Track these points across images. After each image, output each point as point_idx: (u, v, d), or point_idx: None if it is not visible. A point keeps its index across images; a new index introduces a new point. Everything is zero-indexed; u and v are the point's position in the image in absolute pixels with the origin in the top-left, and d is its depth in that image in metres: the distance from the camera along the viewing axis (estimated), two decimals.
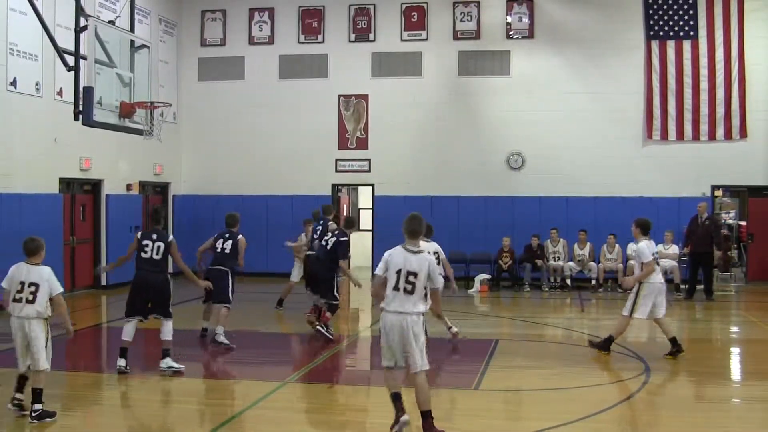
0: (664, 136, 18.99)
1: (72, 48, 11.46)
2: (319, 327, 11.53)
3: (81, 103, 11.05)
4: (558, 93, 19.27)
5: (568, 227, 18.50)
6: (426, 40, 19.97)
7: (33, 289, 7.28)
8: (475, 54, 19.78)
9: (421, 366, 6.73)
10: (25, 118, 14.84)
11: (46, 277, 7.37)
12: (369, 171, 20.23)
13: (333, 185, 20.53)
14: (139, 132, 12.21)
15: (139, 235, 9.51)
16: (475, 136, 19.62)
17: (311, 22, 20.47)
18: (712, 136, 18.78)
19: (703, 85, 18.73)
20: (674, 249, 17.15)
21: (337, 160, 20.35)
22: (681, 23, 18.87)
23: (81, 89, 11.11)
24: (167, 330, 9.31)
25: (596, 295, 17.32)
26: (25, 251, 7.44)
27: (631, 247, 17.36)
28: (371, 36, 20.23)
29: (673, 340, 10.31)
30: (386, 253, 6.90)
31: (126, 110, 11.71)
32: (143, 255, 9.32)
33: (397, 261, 6.75)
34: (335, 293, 11.63)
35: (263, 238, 18.04)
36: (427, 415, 6.70)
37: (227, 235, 11.34)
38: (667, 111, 18.98)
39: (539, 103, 19.32)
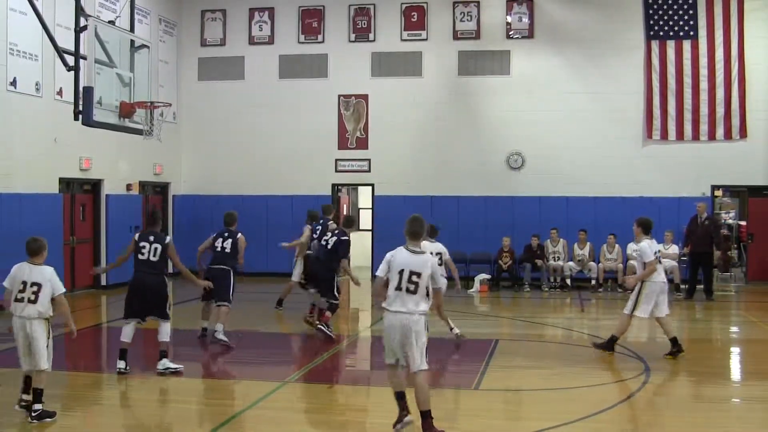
0: (664, 136, 18.99)
1: (72, 48, 11.45)
2: (320, 326, 11.54)
3: (81, 103, 11.05)
4: (558, 93, 19.27)
5: (568, 227, 18.50)
6: (426, 40, 19.97)
7: (35, 288, 7.28)
8: (475, 54, 19.78)
9: (421, 366, 6.75)
10: (25, 118, 14.84)
11: (48, 277, 7.37)
12: (369, 171, 20.23)
13: (333, 185, 20.53)
14: (139, 132, 12.21)
15: (136, 236, 9.50)
16: (475, 136, 19.62)
17: (311, 22, 20.47)
18: (712, 136, 18.78)
19: (703, 85, 18.73)
20: (674, 249, 17.15)
21: (337, 160, 20.35)
22: (681, 23, 18.87)
23: (81, 89, 11.10)
24: (164, 332, 9.31)
25: (596, 295, 17.32)
26: (27, 251, 7.44)
27: (631, 247, 17.41)
28: (371, 36, 20.23)
29: (674, 340, 10.31)
30: (388, 254, 6.93)
31: (126, 110, 11.71)
32: (140, 257, 9.32)
33: (400, 261, 6.78)
34: (335, 293, 11.64)
35: (263, 238, 18.03)
36: (426, 415, 6.71)
37: (226, 234, 11.35)
38: (667, 111, 18.98)
39: (539, 103, 19.32)
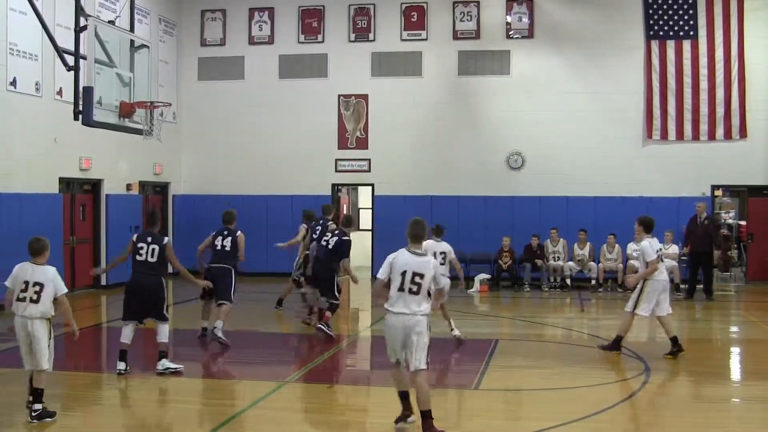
0: (664, 135, 18.99)
1: (72, 48, 11.45)
2: (320, 326, 11.55)
3: (81, 102, 11.04)
4: (558, 93, 19.27)
5: (568, 227, 18.50)
6: (426, 39, 19.98)
7: (37, 288, 7.28)
8: (475, 54, 19.78)
9: (420, 365, 6.77)
10: (25, 118, 14.84)
11: (51, 277, 7.37)
12: (369, 171, 20.23)
13: (333, 185, 20.53)
14: (138, 132, 12.20)
15: (134, 237, 9.49)
16: (475, 136, 19.63)
17: (311, 22, 20.47)
18: (711, 136, 18.79)
19: (703, 84, 18.74)
20: (674, 249, 17.15)
21: (337, 160, 20.35)
22: (681, 23, 18.87)
23: (81, 89, 11.10)
24: (163, 332, 9.31)
25: (596, 294, 17.32)
26: (30, 251, 7.44)
27: (631, 247, 17.42)
28: (371, 36, 20.23)
29: (674, 340, 10.32)
30: (390, 256, 6.97)
31: (126, 110, 11.70)
32: (138, 257, 9.31)
33: (402, 262, 6.83)
34: (336, 293, 11.65)
35: (263, 238, 17.99)
36: (426, 415, 6.73)
37: (226, 233, 11.38)
38: (667, 111, 18.98)
39: (539, 103, 19.32)
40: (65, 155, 16.02)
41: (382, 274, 6.95)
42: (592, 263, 18.03)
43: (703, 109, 18.76)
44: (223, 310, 11.12)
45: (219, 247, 11.29)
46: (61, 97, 15.28)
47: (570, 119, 19.24)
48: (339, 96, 20.30)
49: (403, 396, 7.00)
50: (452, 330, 11.26)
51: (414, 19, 20.03)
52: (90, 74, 10.96)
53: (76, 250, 16.70)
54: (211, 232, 11.69)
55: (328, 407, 8.32)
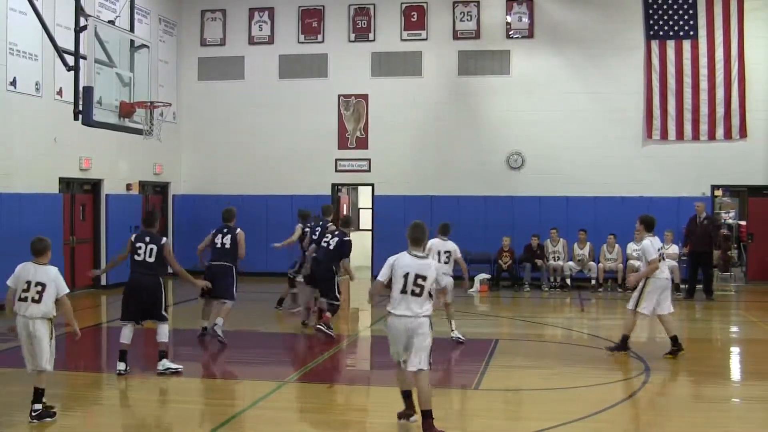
0: (664, 135, 18.99)
1: (72, 48, 11.45)
2: (319, 326, 11.56)
3: (81, 102, 11.05)
4: (558, 93, 19.27)
5: (567, 227, 18.50)
6: (426, 39, 19.98)
7: (39, 288, 7.28)
8: (474, 54, 19.78)
9: (421, 365, 6.79)
10: (25, 118, 14.84)
11: (53, 277, 7.37)
12: (369, 171, 20.23)
13: (333, 185, 20.53)
14: (138, 132, 12.20)
15: (133, 237, 9.48)
16: (475, 136, 19.63)
17: (311, 22, 20.47)
18: (711, 136, 18.79)
19: (703, 84, 18.74)
20: (674, 249, 17.15)
21: (336, 160, 20.35)
22: (681, 23, 18.87)
23: (81, 89, 11.10)
24: (163, 332, 9.30)
25: (596, 294, 17.32)
26: (32, 251, 7.44)
27: (631, 247, 17.44)
28: (371, 36, 20.23)
29: (674, 339, 10.33)
30: (391, 259, 7.01)
31: (126, 110, 11.70)
32: (136, 257, 9.30)
33: (404, 265, 6.87)
34: (337, 293, 11.66)
35: (263, 238, 17.93)
36: (427, 415, 6.75)
37: (225, 230, 11.41)
38: (667, 111, 18.99)
39: (539, 103, 19.33)
40: (65, 155, 16.02)
41: (382, 277, 7.00)
42: (592, 263, 18.03)
43: (703, 109, 18.76)
44: (225, 308, 11.17)
45: (219, 245, 11.33)
46: (61, 97, 15.28)
47: (570, 119, 19.24)
48: (339, 96, 20.30)
49: (406, 395, 7.07)
50: (452, 331, 11.26)
51: (414, 19, 20.03)
52: (90, 74, 10.96)
53: (76, 250, 16.70)
54: (211, 231, 11.71)
55: (328, 407, 8.31)
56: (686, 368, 9.94)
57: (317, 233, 12.50)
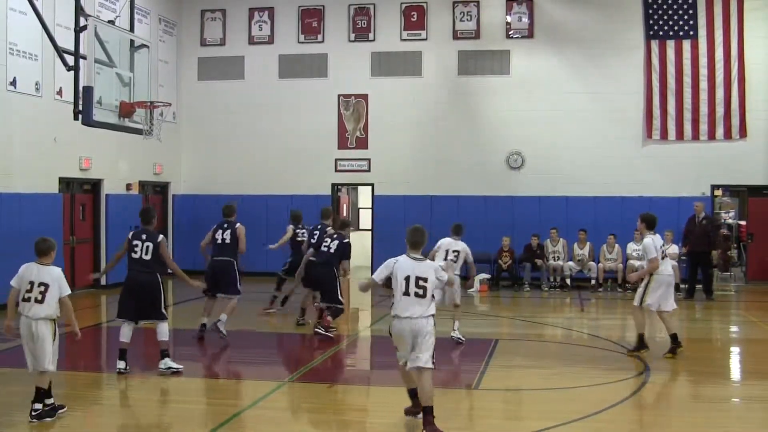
0: (664, 135, 19.00)
1: (72, 48, 11.44)
2: (318, 330, 11.60)
3: (81, 102, 11.04)
4: (558, 93, 19.28)
5: (567, 227, 18.51)
6: (426, 39, 19.98)
7: (42, 289, 7.29)
8: (474, 54, 19.78)
9: (426, 364, 6.89)
10: (25, 117, 14.84)
11: (56, 277, 7.38)
12: (369, 171, 20.23)
13: (333, 185, 20.53)
14: (138, 132, 12.20)
15: (129, 235, 9.49)
16: (475, 135, 19.63)
17: (311, 22, 20.48)
18: (711, 136, 18.79)
19: (703, 84, 18.74)
20: (674, 248, 17.13)
21: (336, 160, 20.35)
22: (681, 23, 18.87)
23: (81, 89, 11.09)
24: (163, 331, 9.29)
25: (596, 294, 17.32)
26: (36, 251, 7.45)
27: (631, 247, 17.48)
28: (371, 36, 20.23)
29: (674, 337, 10.35)
30: (390, 261, 7.09)
31: (126, 110, 11.70)
32: (133, 255, 9.29)
33: (404, 268, 6.98)
34: (339, 297, 11.69)
35: (263, 237, 17.94)
36: (428, 411, 6.84)
37: (225, 226, 11.50)
38: (667, 111, 18.99)
39: (539, 103, 19.33)
40: (65, 155, 16.02)
41: (377, 277, 7.09)
42: (591, 263, 18.04)
43: (703, 109, 18.77)
44: (230, 305, 11.31)
45: (219, 241, 11.45)
46: (61, 97, 15.27)
47: (570, 119, 19.24)
48: (339, 96, 20.30)
49: (413, 393, 7.16)
50: (453, 330, 11.26)
51: (414, 19, 20.04)
52: (90, 74, 10.96)
53: (76, 250, 16.70)
54: (212, 227, 11.77)
55: (328, 407, 8.31)
56: (686, 368, 9.94)
57: (315, 236, 12.50)
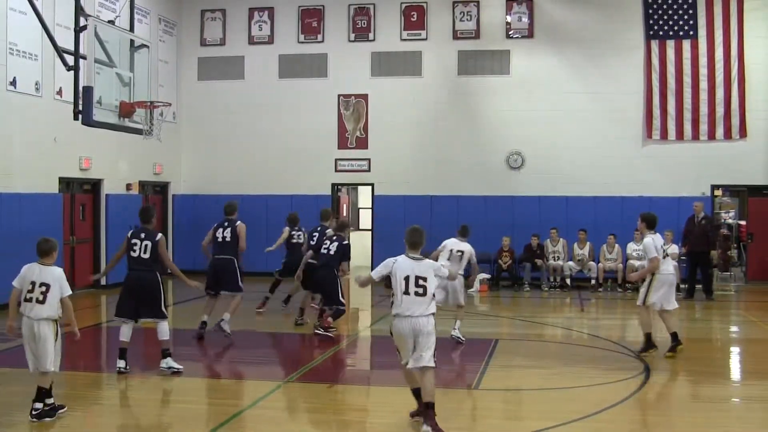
0: (664, 135, 19.00)
1: (72, 47, 11.44)
2: (317, 331, 11.62)
3: (81, 102, 11.04)
4: (558, 93, 19.28)
5: (567, 227, 18.50)
6: (426, 39, 19.98)
7: (43, 289, 7.29)
8: (474, 54, 19.78)
9: (429, 363, 6.96)
10: (25, 117, 14.84)
11: (57, 277, 7.39)
12: (369, 171, 20.23)
13: (333, 185, 20.53)
14: (138, 132, 12.20)
15: (129, 234, 9.49)
16: (475, 135, 19.63)
17: (311, 22, 20.47)
18: (711, 136, 18.79)
19: (703, 84, 18.74)
20: (674, 248, 17.10)
21: (336, 160, 20.35)
22: (681, 23, 18.87)
23: (81, 89, 11.09)
24: (163, 330, 9.28)
25: (596, 294, 17.32)
26: (38, 251, 7.46)
27: (631, 247, 17.48)
28: (371, 35, 20.23)
29: (674, 335, 10.36)
30: (389, 260, 7.14)
31: (126, 110, 11.70)
32: (132, 254, 9.29)
33: (404, 268, 7.03)
34: (341, 298, 11.70)
35: (263, 238, 17.96)
36: (430, 407, 6.91)
37: (226, 224, 11.55)
38: (667, 111, 18.99)
39: (539, 102, 19.33)
40: (65, 155, 16.02)
41: (376, 275, 7.16)
42: (591, 263, 18.04)
43: (703, 109, 18.77)
44: (234, 303, 11.36)
45: (220, 239, 11.48)
46: (61, 96, 15.27)
47: (570, 119, 19.24)
48: (339, 96, 20.30)
49: (417, 393, 7.18)
50: (454, 329, 11.26)
51: (414, 19, 20.03)
52: (90, 74, 10.96)
53: (76, 250, 16.70)
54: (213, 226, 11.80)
55: (328, 407, 8.31)
56: (686, 368, 9.94)
57: (315, 238, 12.50)
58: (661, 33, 18.99)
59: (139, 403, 8.55)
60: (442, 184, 19.64)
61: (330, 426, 7.63)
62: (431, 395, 6.94)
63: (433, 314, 7.05)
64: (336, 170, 20.37)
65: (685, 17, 18.85)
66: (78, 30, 11.37)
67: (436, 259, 9.77)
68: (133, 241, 9.32)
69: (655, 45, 19.00)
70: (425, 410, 6.93)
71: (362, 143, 20.24)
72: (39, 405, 7.23)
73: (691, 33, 18.83)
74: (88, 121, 11.02)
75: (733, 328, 14.10)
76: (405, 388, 7.42)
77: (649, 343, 10.44)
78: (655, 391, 8.83)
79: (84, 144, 16.11)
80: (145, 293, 9.23)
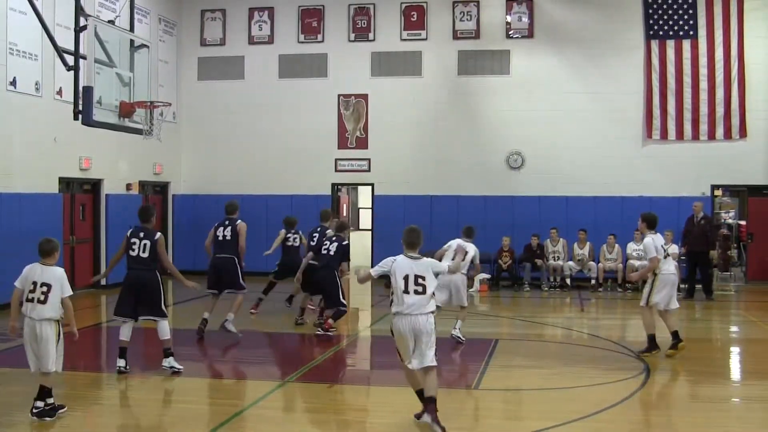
0: (664, 135, 19.00)
1: (72, 47, 11.44)
2: (318, 332, 11.63)
3: (81, 102, 11.04)
4: (558, 93, 19.28)
5: (567, 227, 18.50)
6: (426, 39, 19.98)
7: (45, 289, 7.30)
8: (474, 53, 19.78)
9: (431, 362, 7.02)
10: (25, 117, 14.84)
11: (58, 277, 7.39)
12: (369, 171, 20.23)
13: (333, 185, 20.53)
14: (138, 132, 12.20)
15: (128, 233, 9.49)
16: (475, 135, 19.63)
17: (311, 22, 20.47)
18: (711, 136, 18.79)
19: (703, 84, 18.74)
20: (674, 248, 17.09)
21: (336, 160, 20.35)
22: (681, 23, 18.87)
23: (81, 89, 11.09)
24: (164, 330, 9.27)
25: (596, 294, 17.32)
26: (39, 252, 7.47)
27: (631, 247, 17.48)
28: (371, 35, 20.23)
29: (675, 334, 10.36)
30: (390, 259, 7.20)
31: (126, 110, 11.70)
32: (131, 253, 9.29)
33: (403, 267, 7.09)
34: (342, 299, 11.71)
35: (263, 238, 17.94)
36: (433, 401, 6.97)
37: (227, 223, 11.58)
38: (667, 111, 18.99)
39: (539, 102, 19.33)
40: (65, 155, 16.02)
41: (374, 272, 7.21)
42: (591, 263, 18.04)
43: (703, 109, 18.77)
44: (236, 302, 11.43)
45: (220, 238, 11.51)
46: (61, 96, 15.27)
47: (570, 119, 19.24)
48: (339, 96, 20.30)
49: (421, 393, 7.20)
50: (454, 329, 11.26)
51: (414, 19, 20.03)
52: (90, 74, 10.96)
53: (76, 250, 16.70)
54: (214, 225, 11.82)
55: (328, 407, 8.31)
56: (686, 368, 9.94)
57: (315, 239, 12.50)
58: (661, 33, 18.99)
59: (139, 403, 8.55)
60: (442, 184, 19.64)
61: (330, 426, 7.63)
62: (434, 391, 7.01)
63: (432, 313, 7.08)
64: (336, 170, 20.37)
65: (685, 17, 18.85)
66: (78, 30, 11.37)
67: (441, 259, 9.81)
68: (132, 240, 9.32)
69: (655, 45, 19.00)
70: (428, 404, 6.98)
71: (362, 143, 20.24)
72: (40, 403, 7.24)
73: (691, 33, 18.83)
74: (88, 121, 11.02)
75: (733, 328, 14.10)
76: (405, 388, 7.42)
77: (652, 344, 10.43)
78: (655, 391, 8.84)
79: (84, 144, 16.11)
80: (144, 292, 9.22)
